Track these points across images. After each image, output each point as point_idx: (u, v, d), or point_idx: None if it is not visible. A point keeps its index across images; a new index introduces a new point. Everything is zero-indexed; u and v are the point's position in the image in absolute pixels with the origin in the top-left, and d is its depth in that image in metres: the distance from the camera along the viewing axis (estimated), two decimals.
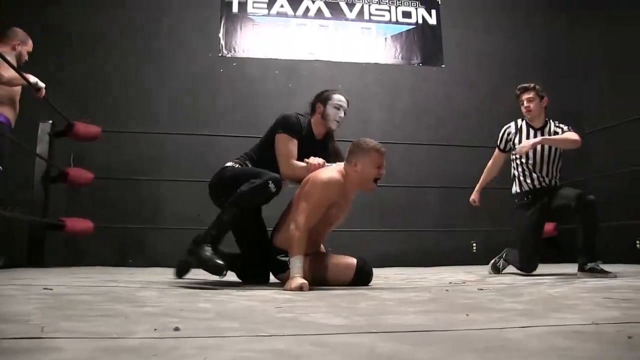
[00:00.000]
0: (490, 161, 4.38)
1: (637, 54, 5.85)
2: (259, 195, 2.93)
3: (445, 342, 1.21)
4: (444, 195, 6.42)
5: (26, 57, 4.37)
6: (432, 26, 7.11)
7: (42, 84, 4.28)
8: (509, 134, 4.19)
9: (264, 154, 3.25)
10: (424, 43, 7.05)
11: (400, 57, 6.96)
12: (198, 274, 3.92)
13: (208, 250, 2.86)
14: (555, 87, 6.96)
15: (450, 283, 3.26)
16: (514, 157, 4.17)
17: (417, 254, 6.06)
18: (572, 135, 3.92)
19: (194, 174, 5.89)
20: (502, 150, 4.26)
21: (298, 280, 2.67)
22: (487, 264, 4.54)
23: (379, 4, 7.07)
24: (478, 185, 4.42)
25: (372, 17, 7.02)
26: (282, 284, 2.96)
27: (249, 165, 3.22)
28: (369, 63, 6.83)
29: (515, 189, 4.17)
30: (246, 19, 6.76)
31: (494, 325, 1.44)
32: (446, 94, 6.79)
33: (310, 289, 2.65)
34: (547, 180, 4.04)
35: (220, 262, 2.79)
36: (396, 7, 7.08)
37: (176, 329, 1.33)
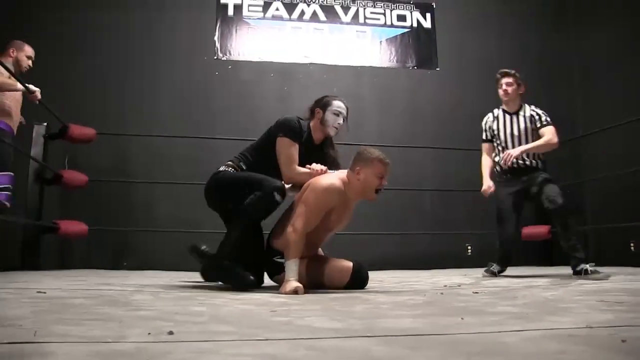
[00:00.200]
0: (483, 156, 4.54)
1: (630, 57, 5.86)
2: (265, 207, 2.95)
3: (440, 346, 1.21)
4: (438, 198, 6.43)
5: (27, 63, 4.56)
6: (426, 30, 7.13)
7: (35, 88, 4.34)
8: (489, 122, 4.50)
9: (261, 156, 3.23)
10: (419, 46, 7.07)
11: (395, 61, 6.97)
12: (194, 278, 3.91)
13: (229, 266, 2.92)
14: (550, 90, 7.00)
15: (445, 286, 3.26)
16: (495, 143, 4.43)
17: (412, 257, 6.06)
18: (549, 137, 4.17)
19: (189, 176, 5.88)
20: (489, 141, 4.51)
21: (293, 283, 2.67)
22: (482, 266, 4.56)
23: (374, 7, 7.08)
24: (486, 176, 4.45)
25: (367, 21, 7.02)
26: (277, 286, 2.96)
27: (244, 168, 3.19)
28: (364, 66, 6.84)
29: (497, 168, 4.40)
30: (241, 22, 6.76)
31: (488, 329, 1.44)
32: (441, 97, 6.79)
33: (305, 292, 2.65)
34: (525, 161, 4.22)
35: (250, 277, 2.87)
36: (391, 11, 7.09)
37: (170, 332, 1.33)
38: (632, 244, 5.50)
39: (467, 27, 7.15)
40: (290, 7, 6.89)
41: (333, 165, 3.29)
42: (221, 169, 3.21)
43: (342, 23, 6.97)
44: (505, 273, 4.39)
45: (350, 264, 3.05)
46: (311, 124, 3.33)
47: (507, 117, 4.39)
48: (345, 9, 7.00)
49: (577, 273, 3.82)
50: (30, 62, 4.60)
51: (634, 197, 5.36)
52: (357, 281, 3.04)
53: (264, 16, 6.82)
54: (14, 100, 4.44)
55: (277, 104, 6.33)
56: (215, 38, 6.65)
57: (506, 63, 6.92)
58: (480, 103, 6.59)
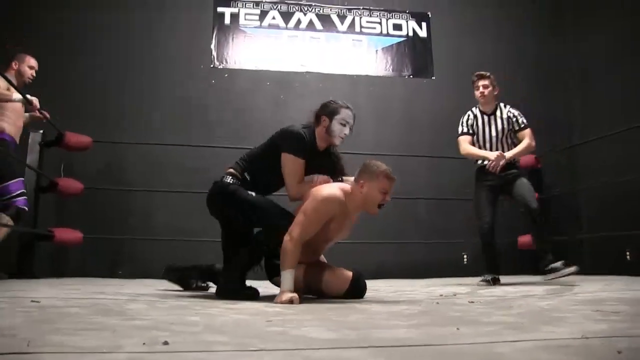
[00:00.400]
0: (467, 146, 4.63)
1: (630, 57, 5.86)
2: (274, 243, 2.94)
3: (435, 357, 1.20)
4: (434, 207, 6.43)
5: (30, 73, 4.74)
6: (422, 39, 7.15)
7: (32, 98, 4.42)
8: (470, 119, 4.69)
9: (264, 165, 3.16)
10: (415, 55, 7.09)
11: (391, 69, 6.99)
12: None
13: (237, 285, 3.01)
14: (545, 98, 7.03)
15: (441, 295, 3.26)
16: (474, 143, 4.64)
17: (408, 266, 6.06)
18: (529, 142, 4.47)
19: (185, 185, 5.88)
20: (469, 134, 4.67)
21: (288, 294, 2.66)
22: (478, 275, 4.57)
23: (370, 16, 7.11)
24: (482, 152, 4.57)
25: (363, 30, 7.05)
26: (272, 296, 2.95)
27: (247, 178, 3.14)
28: (360, 75, 6.86)
29: (476, 165, 4.62)
30: (238, 30, 6.78)
31: (483, 339, 1.44)
32: (437, 105, 6.80)
33: (301, 302, 2.64)
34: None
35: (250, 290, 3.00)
36: (387, 20, 7.12)
37: (165, 342, 1.32)
38: (627, 253, 5.49)
39: (462, 36, 7.18)
40: (286, 16, 6.91)
41: (338, 172, 3.26)
42: (227, 180, 3.13)
43: (338, 32, 6.99)
44: (501, 282, 4.39)
45: (350, 273, 3.05)
46: (316, 131, 3.23)
47: (485, 117, 4.63)
48: (342, 17, 7.02)
49: (548, 272, 4.11)
50: (33, 72, 4.75)
51: (630, 205, 5.36)
52: (356, 290, 3.03)
53: (260, 25, 6.84)
54: (14, 111, 4.55)
55: (274, 112, 6.34)
56: (212, 46, 6.66)
57: (503, 69, 6.98)
58: None
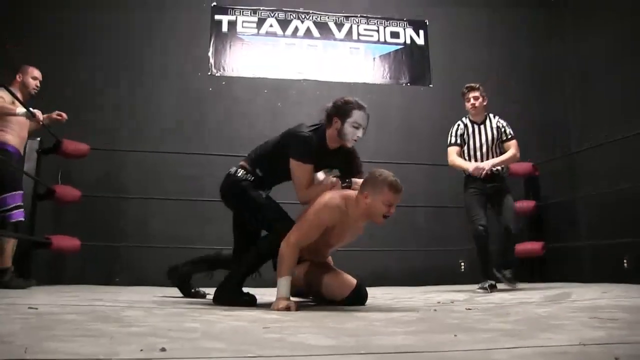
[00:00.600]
0: (455, 157, 4.82)
1: (625, 71, 5.86)
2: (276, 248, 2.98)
3: None
4: (432, 215, 6.43)
5: (34, 84, 4.78)
6: (420, 46, 7.17)
7: (35, 111, 4.48)
8: (460, 129, 4.86)
9: (272, 164, 3.17)
10: (412, 63, 7.11)
11: (388, 77, 7.00)
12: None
13: (235, 291, 3.05)
14: (543, 105, 7.05)
15: (439, 303, 3.26)
16: (464, 150, 4.83)
17: (405, 273, 6.06)
18: (514, 152, 4.70)
19: (182, 192, 5.88)
20: (457, 144, 4.84)
21: (284, 302, 2.66)
22: (476, 282, 4.58)
23: (368, 24, 7.13)
24: (465, 163, 4.77)
25: (361, 37, 7.06)
26: (270, 303, 2.94)
27: (259, 173, 3.16)
28: (358, 83, 6.86)
29: (465, 173, 4.78)
30: (235, 38, 6.79)
31: (481, 346, 1.44)
32: (434, 113, 6.80)
33: (297, 309, 2.63)
34: (493, 170, 4.64)
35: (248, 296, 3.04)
36: (384, 28, 7.14)
37: (162, 349, 1.32)
38: (625, 261, 5.49)
39: (459, 44, 7.19)
40: (284, 24, 6.93)
41: (352, 171, 3.23)
42: (240, 174, 3.17)
43: (335, 39, 7.01)
44: (498, 289, 4.39)
45: (353, 281, 3.05)
46: (327, 131, 3.16)
47: (476, 127, 4.82)
48: (339, 25, 7.04)
49: (498, 280, 4.43)
50: (37, 83, 4.79)
51: (628, 212, 5.35)
52: (357, 299, 3.03)
53: (257, 32, 6.85)
54: (18, 123, 4.58)
55: (271, 120, 6.34)
56: (210, 54, 6.67)
57: (501, 74, 7.02)
58: None
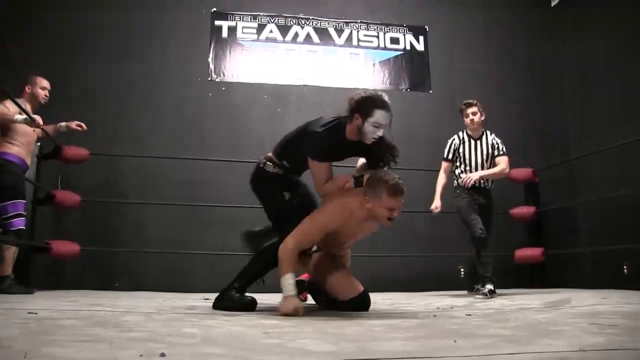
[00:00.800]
0: (442, 173, 5.17)
1: (625, 72, 5.85)
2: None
3: None
4: (432, 220, 6.42)
5: (44, 93, 4.85)
6: (419, 52, 7.18)
7: (34, 116, 4.50)
8: (455, 145, 5.09)
9: (298, 157, 3.17)
10: (412, 69, 7.12)
11: (388, 83, 7.01)
12: (185, 299, 3.89)
13: (235, 296, 3.06)
14: (542, 112, 7.06)
15: (438, 308, 3.26)
16: (457, 164, 5.07)
17: (405, 279, 6.05)
18: (503, 167, 4.92)
19: (182, 198, 5.88)
20: (449, 161, 5.12)
21: (292, 302, 2.64)
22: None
23: (368, 30, 7.14)
24: (438, 195, 5.13)
25: (361, 43, 7.08)
26: (268, 308, 2.94)
27: (287, 165, 3.21)
28: (358, 88, 6.82)
29: (456, 183, 5.05)
30: (235, 43, 6.80)
31: (480, 352, 1.44)
32: (434, 119, 6.81)
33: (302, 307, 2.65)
34: (482, 182, 4.91)
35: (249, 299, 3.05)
36: (384, 34, 7.15)
37: (162, 354, 1.32)
38: (625, 266, 5.48)
39: (459, 50, 7.20)
40: (284, 30, 6.94)
41: (375, 163, 3.22)
42: (268, 168, 3.22)
43: (335, 45, 7.02)
44: (497, 295, 4.39)
45: (361, 287, 3.06)
46: (348, 126, 3.11)
47: (472, 142, 5.03)
48: (339, 31, 7.05)
49: (483, 293, 4.45)
50: (46, 93, 4.86)
51: (628, 218, 5.35)
52: (362, 303, 3.02)
53: (257, 38, 6.86)
54: (22, 134, 4.62)
55: (270, 125, 6.34)
56: (210, 59, 6.68)
57: (497, 85, 7.03)
58: None
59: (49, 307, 2.86)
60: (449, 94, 6.90)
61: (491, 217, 4.94)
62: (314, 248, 3.10)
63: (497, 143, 4.99)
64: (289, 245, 2.82)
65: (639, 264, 5.29)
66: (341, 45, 7.03)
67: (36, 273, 5.25)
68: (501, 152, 4.96)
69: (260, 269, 3.12)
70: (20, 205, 4.54)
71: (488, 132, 5.07)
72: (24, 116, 4.36)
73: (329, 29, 7.04)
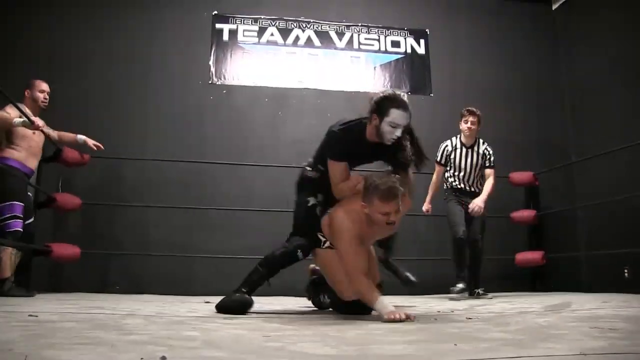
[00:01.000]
0: (435, 177, 5.38)
1: (623, 82, 5.86)
2: (286, 262, 3.13)
3: None
4: (433, 224, 6.41)
5: (43, 96, 4.85)
6: (420, 56, 7.18)
7: (34, 118, 4.49)
8: (447, 151, 5.28)
9: (324, 159, 3.22)
10: (413, 72, 7.12)
11: (389, 86, 6.98)
12: (186, 302, 3.88)
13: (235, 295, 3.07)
14: (542, 116, 7.06)
15: (439, 312, 3.25)
16: (447, 169, 5.28)
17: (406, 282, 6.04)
18: (493, 182, 5.09)
19: (182, 201, 5.88)
20: (442, 164, 5.31)
21: (398, 311, 2.57)
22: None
23: (368, 33, 7.14)
24: (429, 198, 5.41)
25: (362, 46, 7.08)
26: (268, 312, 2.94)
27: (322, 169, 3.23)
28: (358, 91, 6.85)
29: (446, 186, 5.29)
30: (236, 47, 6.80)
31: (481, 355, 1.43)
32: (434, 122, 6.78)
33: (299, 314, 2.63)
34: (470, 187, 5.17)
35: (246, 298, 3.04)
36: (385, 37, 7.15)
37: (163, 357, 1.32)
38: (625, 270, 5.48)
39: (460, 53, 7.20)
40: (285, 33, 6.94)
41: (398, 164, 3.18)
42: (308, 172, 3.32)
43: (336, 48, 7.02)
44: (497, 299, 4.39)
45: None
46: (368, 126, 3.11)
47: (464, 149, 5.20)
48: (340, 34, 7.05)
49: (473, 294, 4.87)
50: (45, 95, 4.86)
51: (629, 222, 5.35)
52: (365, 307, 3.00)
53: (258, 41, 6.86)
54: (24, 138, 4.64)
55: (271, 128, 6.35)
56: (210, 62, 6.68)
57: (498, 88, 7.03)
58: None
59: (49, 309, 2.86)
60: (450, 98, 6.90)
61: (484, 221, 5.07)
62: (327, 244, 3.07)
63: (488, 153, 5.15)
64: (354, 279, 2.81)
65: (639, 267, 5.29)
66: (342, 49, 7.03)
67: (37, 276, 5.24)
68: (491, 164, 5.13)
69: (267, 272, 3.12)
70: (17, 207, 4.49)
71: (481, 141, 5.22)
72: (23, 119, 4.35)
73: (329, 32, 7.04)
